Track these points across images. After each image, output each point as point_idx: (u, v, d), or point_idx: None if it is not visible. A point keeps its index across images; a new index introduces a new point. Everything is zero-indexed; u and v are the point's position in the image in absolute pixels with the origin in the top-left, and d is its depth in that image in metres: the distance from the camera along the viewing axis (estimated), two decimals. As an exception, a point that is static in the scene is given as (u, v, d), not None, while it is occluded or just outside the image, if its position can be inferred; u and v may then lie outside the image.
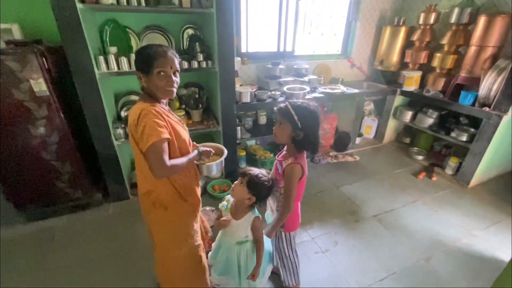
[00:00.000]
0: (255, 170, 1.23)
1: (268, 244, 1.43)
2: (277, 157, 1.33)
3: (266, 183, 1.21)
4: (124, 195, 2.40)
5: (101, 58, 1.92)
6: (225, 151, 1.45)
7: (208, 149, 1.32)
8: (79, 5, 1.70)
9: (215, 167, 1.35)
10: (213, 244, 1.46)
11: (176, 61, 1.11)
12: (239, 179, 1.25)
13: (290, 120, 1.15)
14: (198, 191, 1.33)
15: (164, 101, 1.18)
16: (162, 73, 1.07)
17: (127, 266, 1.78)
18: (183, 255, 1.31)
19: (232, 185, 1.27)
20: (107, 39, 2.21)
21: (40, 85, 1.77)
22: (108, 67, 1.96)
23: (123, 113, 2.39)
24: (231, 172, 2.72)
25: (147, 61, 1.06)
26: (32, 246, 1.93)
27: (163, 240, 1.27)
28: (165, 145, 1.04)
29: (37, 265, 1.78)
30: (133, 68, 2.05)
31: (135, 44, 2.35)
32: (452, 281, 1.71)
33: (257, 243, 1.30)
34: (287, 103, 1.18)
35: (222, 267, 1.37)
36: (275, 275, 1.68)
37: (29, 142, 1.89)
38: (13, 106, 1.76)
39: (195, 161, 1.28)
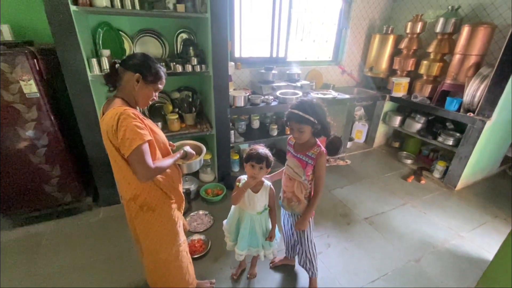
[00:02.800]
0: (260, 150, 1.32)
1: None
2: (294, 152, 1.40)
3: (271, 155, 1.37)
4: (115, 199, 2.36)
5: (94, 60, 1.91)
6: (204, 149, 1.50)
7: (192, 151, 1.35)
8: (72, 8, 1.70)
9: (195, 165, 1.40)
10: (228, 228, 1.57)
11: None
12: (254, 165, 1.30)
13: (307, 122, 1.24)
14: (181, 188, 1.36)
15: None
16: (155, 91, 1.17)
17: (118, 271, 1.74)
18: (173, 255, 1.32)
19: (251, 172, 1.32)
20: (100, 41, 2.20)
21: (30, 87, 1.74)
22: (101, 70, 1.95)
23: (115, 116, 2.38)
24: (224, 176, 2.72)
25: (156, 74, 1.13)
26: (18, 253, 1.86)
27: (153, 243, 1.26)
28: (147, 147, 1.04)
29: (24, 272, 1.72)
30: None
31: (128, 47, 2.35)
32: (441, 281, 1.75)
33: (272, 208, 1.50)
34: (295, 110, 1.25)
35: (246, 240, 1.51)
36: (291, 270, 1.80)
37: (17, 145, 1.84)
38: (1, 108, 1.72)
39: (178, 162, 1.31)
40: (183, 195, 1.35)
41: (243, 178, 1.42)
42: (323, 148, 1.32)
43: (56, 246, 1.93)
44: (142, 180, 1.04)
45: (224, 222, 1.60)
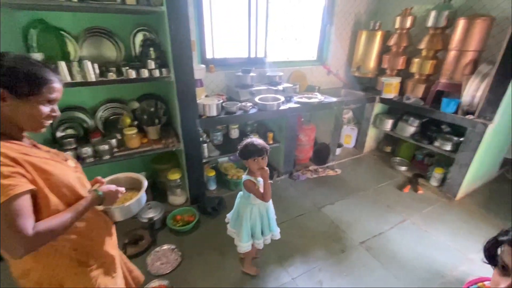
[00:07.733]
0: (256, 143, 1.37)
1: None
2: None
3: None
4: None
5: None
6: (145, 183, 1.13)
7: (112, 187, 0.93)
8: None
9: (133, 207, 1.02)
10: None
11: None
12: (257, 159, 1.36)
13: None
14: (111, 242, 0.97)
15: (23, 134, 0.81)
16: (50, 104, 0.78)
17: None
18: None
19: (257, 165, 1.37)
20: (34, 43, 1.79)
21: None
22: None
23: (59, 133, 1.97)
24: (198, 197, 2.34)
25: (32, 81, 0.72)
26: None
27: None
28: (21, 202, 0.66)
29: None
30: (69, 78, 1.65)
31: (73, 50, 1.94)
32: (456, 323, 1.45)
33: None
34: None
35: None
36: None
37: None
38: None
39: (99, 207, 0.93)
40: (113, 251, 0.97)
41: (247, 177, 1.42)
42: None
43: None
44: (16, 257, 0.67)
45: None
